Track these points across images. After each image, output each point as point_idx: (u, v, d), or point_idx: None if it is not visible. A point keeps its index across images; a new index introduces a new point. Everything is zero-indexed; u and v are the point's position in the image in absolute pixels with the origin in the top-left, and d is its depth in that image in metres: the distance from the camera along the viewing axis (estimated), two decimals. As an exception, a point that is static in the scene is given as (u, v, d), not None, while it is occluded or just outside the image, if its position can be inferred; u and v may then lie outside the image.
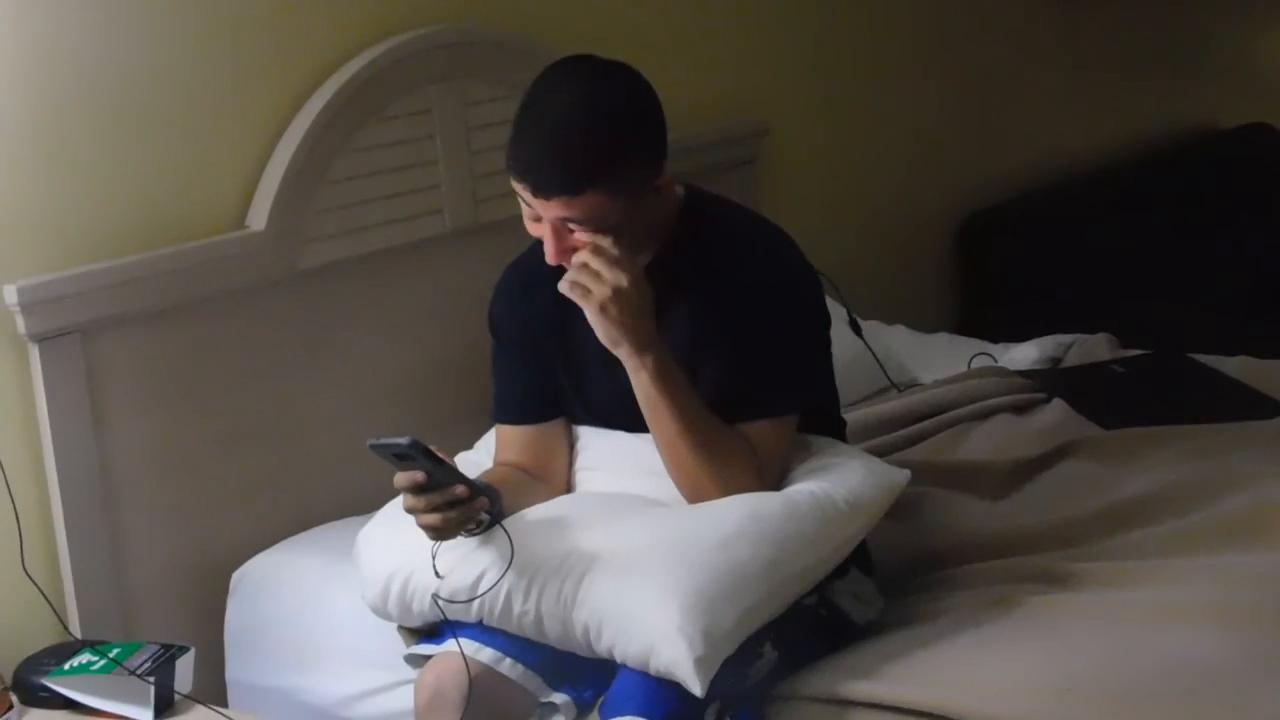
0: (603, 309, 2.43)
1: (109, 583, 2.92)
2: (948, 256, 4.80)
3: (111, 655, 2.61)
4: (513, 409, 2.70)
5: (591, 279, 2.43)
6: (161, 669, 2.60)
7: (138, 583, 2.96)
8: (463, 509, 2.39)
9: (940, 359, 3.80)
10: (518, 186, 2.43)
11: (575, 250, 2.44)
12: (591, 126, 2.40)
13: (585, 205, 2.39)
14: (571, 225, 2.42)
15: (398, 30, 3.26)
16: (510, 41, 3.41)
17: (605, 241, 2.41)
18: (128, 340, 2.91)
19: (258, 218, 3.07)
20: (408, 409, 3.21)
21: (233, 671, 3.02)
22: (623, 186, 2.41)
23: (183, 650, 2.65)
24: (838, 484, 2.52)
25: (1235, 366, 3.58)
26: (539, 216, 2.44)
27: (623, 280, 2.42)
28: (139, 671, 2.58)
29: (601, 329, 2.46)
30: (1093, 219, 4.81)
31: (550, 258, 2.46)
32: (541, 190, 2.39)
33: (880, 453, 3.05)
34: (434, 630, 2.57)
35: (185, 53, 3.00)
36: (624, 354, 2.48)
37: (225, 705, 2.94)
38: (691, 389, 2.49)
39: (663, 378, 2.47)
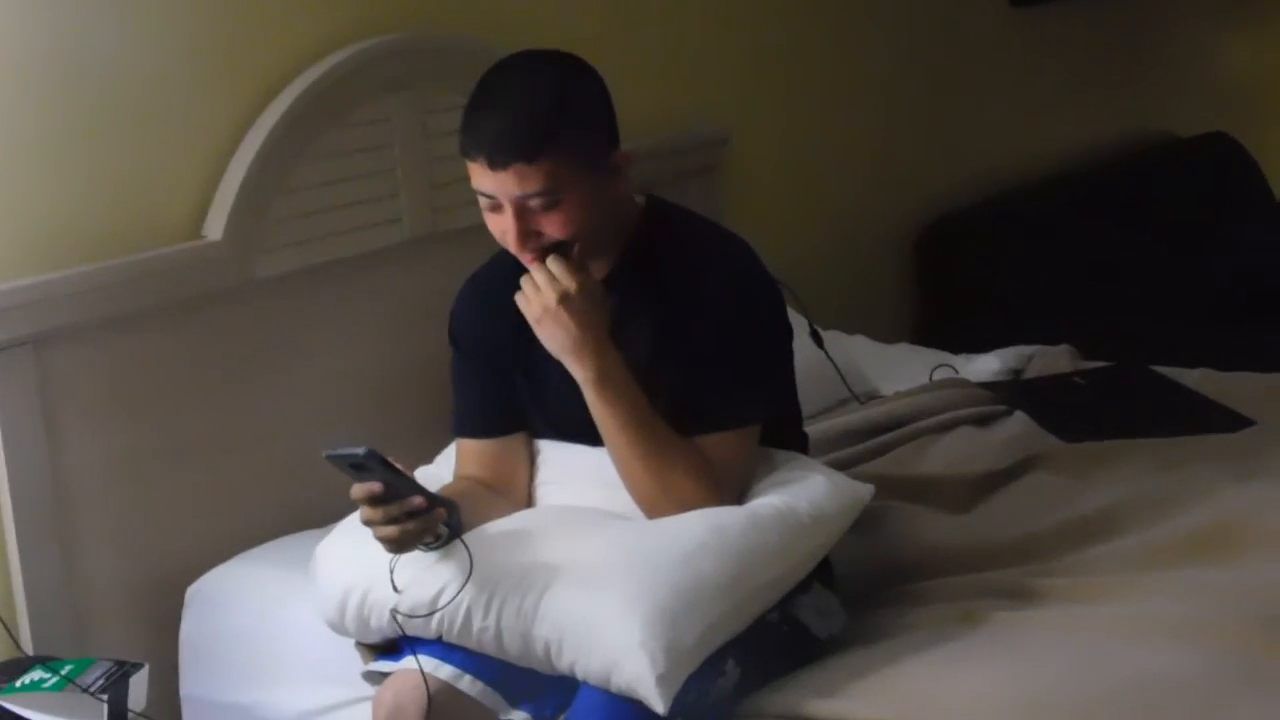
0: (543, 316, 2.44)
1: (61, 598, 2.88)
2: (908, 266, 4.78)
3: (64, 672, 2.58)
4: (473, 422, 2.67)
5: (534, 288, 2.43)
6: (115, 686, 2.57)
7: (91, 597, 2.93)
8: (420, 520, 2.37)
9: (901, 370, 3.78)
10: (474, 167, 2.43)
11: (540, 235, 2.44)
12: (542, 95, 2.44)
13: (542, 173, 2.39)
14: (532, 201, 2.41)
15: (356, 38, 3.24)
16: (469, 49, 3.38)
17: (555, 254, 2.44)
18: (81, 351, 2.88)
19: (214, 227, 3.04)
20: (367, 421, 3.18)
21: (187, 687, 2.99)
22: (578, 151, 2.43)
23: (136, 667, 2.63)
24: (801, 498, 2.51)
25: (1196, 379, 3.57)
26: (498, 205, 2.43)
27: (568, 286, 2.42)
28: (92, 689, 2.55)
29: (544, 337, 2.47)
30: (1052, 228, 4.79)
31: (513, 245, 2.46)
32: (498, 159, 2.39)
33: (842, 466, 3.03)
34: (393, 646, 2.55)
35: (141, 60, 2.98)
36: (569, 363, 2.47)
37: (179, 722, 2.91)
38: (642, 400, 2.48)
39: (609, 388, 2.46)
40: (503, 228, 2.46)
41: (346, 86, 3.19)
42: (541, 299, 2.44)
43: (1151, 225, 4.97)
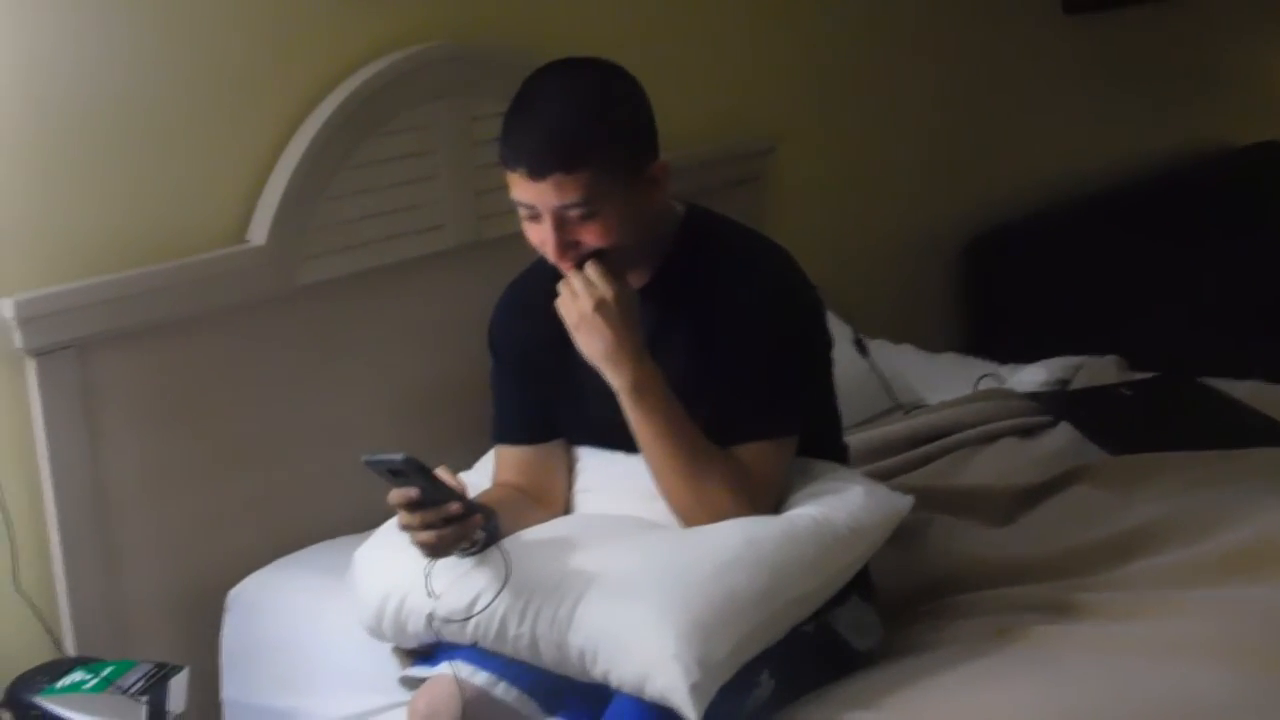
0: (580, 323, 2.44)
1: (103, 600, 2.90)
2: (956, 275, 4.77)
3: (104, 674, 2.60)
4: (511, 429, 2.68)
5: (571, 294, 2.43)
6: (154, 688, 2.59)
7: (132, 600, 2.94)
8: (457, 526, 2.37)
9: (947, 380, 3.77)
10: (513, 177, 2.43)
11: (578, 245, 2.44)
12: (582, 104, 2.44)
13: (581, 183, 2.39)
14: (570, 211, 2.41)
15: (400, 45, 3.24)
16: (513, 57, 3.37)
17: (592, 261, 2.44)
18: (125, 355, 2.89)
19: (258, 233, 3.05)
20: (407, 427, 3.18)
21: (228, 691, 3.00)
22: (617, 163, 2.42)
23: (176, 669, 2.64)
24: (838, 509, 2.49)
25: (1246, 391, 3.53)
26: (537, 215, 2.43)
27: (605, 294, 2.42)
28: (131, 691, 2.57)
29: (581, 343, 2.46)
30: (1102, 238, 4.78)
31: (552, 255, 2.46)
32: (537, 170, 2.39)
33: (884, 476, 3.02)
34: (430, 652, 2.55)
35: (186, 65, 2.99)
36: (606, 371, 2.47)
37: (219, 725, 2.93)
38: (679, 409, 2.47)
39: (646, 396, 2.46)
40: (541, 237, 2.46)
41: (390, 94, 3.20)
42: (579, 306, 2.44)
43: (1203, 236, 4.94)
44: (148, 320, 2.90)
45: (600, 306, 2.43)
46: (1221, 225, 5.04)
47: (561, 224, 2.43)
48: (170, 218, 2.98)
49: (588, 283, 2.44)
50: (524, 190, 2.43)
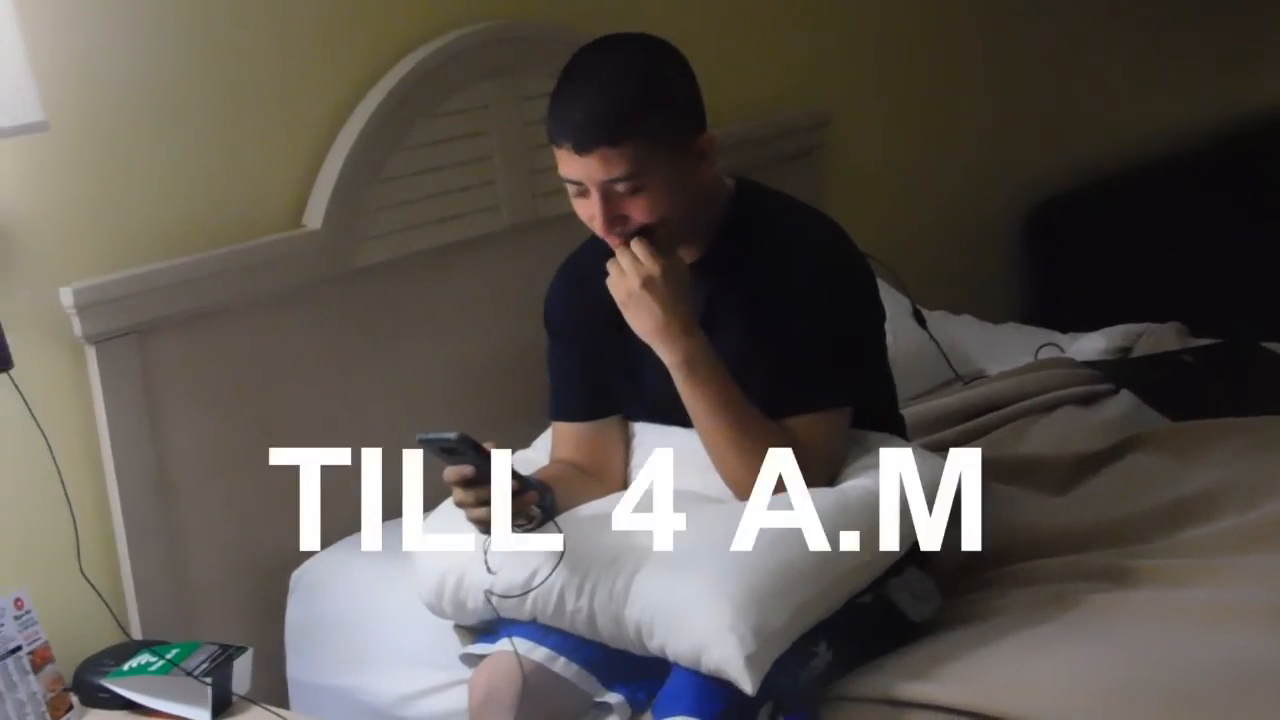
0: (629, 300, 2.45)
1: (168, 583, 2.93)
2: (1016, 245, 4.75)
3: (169, 656, 2.62)
4: (569, 406, 2.69)
5: (620, 272, 2.44)
6: (219, 670, 2.60)
7: (196, 583, 2.97)
8: (513, 503, 2.38)
9: (1007, 350, 3.75)
10: (560, 153, 2.44)
11: (626, 220, 2.44)
12: (625, 78, 2.45)
13: (626, 157, 2.40)
14: (617, 185, 2.41)
15: (451, 26, 3.25)
16: (565, 35, 3.37)
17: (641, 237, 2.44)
18: (184, 340, 2.91)
19: (314, 216, 3.07)
20: (465, 406, 3.20)
21: (293, 671, 3.02)
22: (663, 135, 2.43)
23: (240, 651, 2.66)
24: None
25: (1309, 356, 3.51)
26: (585, 190, 2.44)
27: (653, 270, 2.42)
28: (196, 672, 2.58)
29: (631, 320, 2.47)
30: (1162, 205, 4.74)
31: (600, 228, 2.47)
32: (583, 143, 2.40)
33: (941, 447, 3.02)
34: (490, 629, 2.57)
35: (238, 51, 3.01)
36: (657, 346, 2.48)
37: (286, 705, 2.94)
38: (731, 383, 2.47)
39: (698, 371, 2.46)
40: (589, 213, 2.46)
41: (442, 75, 3.21)
42: (627, 283, 2.45)
43: (1262, 201, 4.88)
44: (206, 305, 2.93)
45: (648, 283, 2.43)
46: (1278, 190, 4.98)
47: (609, 198, 2.44)
48: (226, 203, 3.01)
49: (635, 260, 2.45)
50: (571, 165, 2.44)
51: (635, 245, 2.45)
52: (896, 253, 3.46)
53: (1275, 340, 3.61)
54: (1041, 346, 3.70)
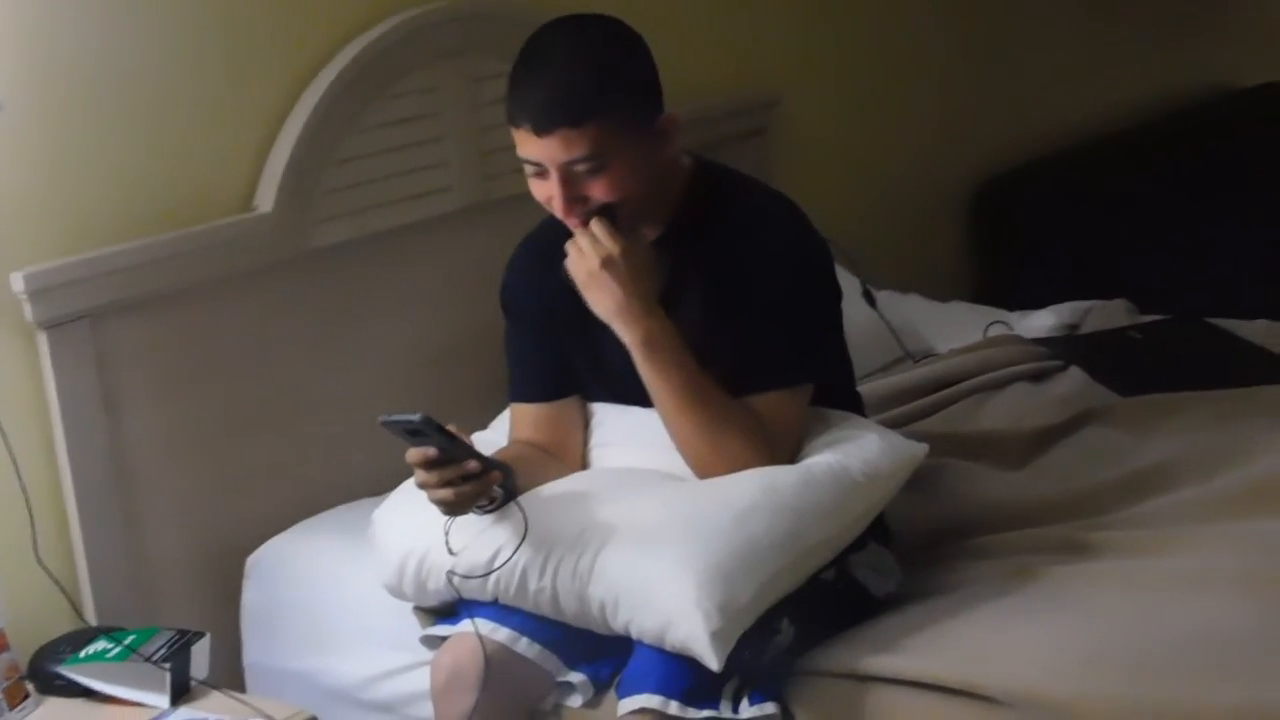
0: (589, 280, 2.44)
1: (124, 569, 2.91)
2: (963, 224, 4.77)
3: (127, 642, 2.60)
4: (527, 386, 2.69)
5: (579, 252, 2.44)
6: (177, 655, 2.59)
7: (153, 569, 2.95)
8: (475, 483, 2.38)
9: (956, 328, 3.77)
10: (519, 134, 2.44)
11: (586, 200, 2.44)
12: (586, 59, 2.44)
13: (588, 138, 2.39)
14: (577, 166, 2.41)
15: (402, 7, 3.23)
16: (515, 14, 3.37)
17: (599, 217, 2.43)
18: (137, 325, 2.89)
19: (265, 199, 3.05)
20: (422, 388, 3.18)
21: (250, 655, 3.01)
22: (623, 116, 2.43)
23: (198, 636, 2.65)
24: (854, 456, 2.51)
25: (1255, 330, 3.54)
26: (544, 171, 2.43)
27: (613, 250, 2.42)
28: (154, 658, 2.57)
29: (591, 301, 2.47)
30: (1108, 182, 4.77)
31: (560, 210, 2.46)
32: (543, 125, 2.39)
33: (896, 424, 3.04)
34: (450, 611, 2.57)
35: (188, 35, 2.98)
36: (617, 326, 2.48)
37: (243, 689, 2.93)
38: (692, 362, 2.47)
39: (658, 350, 2.46)
40: (548, 193, 2.46)
41: (393, 57, 3.19)
42: (586, 263, 2.44)
43: (1209, 176, 4.92)
44: (158, 289, 2.90)
45: (608, 263, 2.43)
46: (1225, 167, 5.02)
47: (568, 180, 2.43)
48: (178, 187, 2.98)
49: (594, 240, 2.44)
50: (530, 147, 2.43)
51: (595, 225, 2.45)
52: (845, 232, 3.46)
53: (1220, 316, 3.64)
54: (990, 324, 3.72)
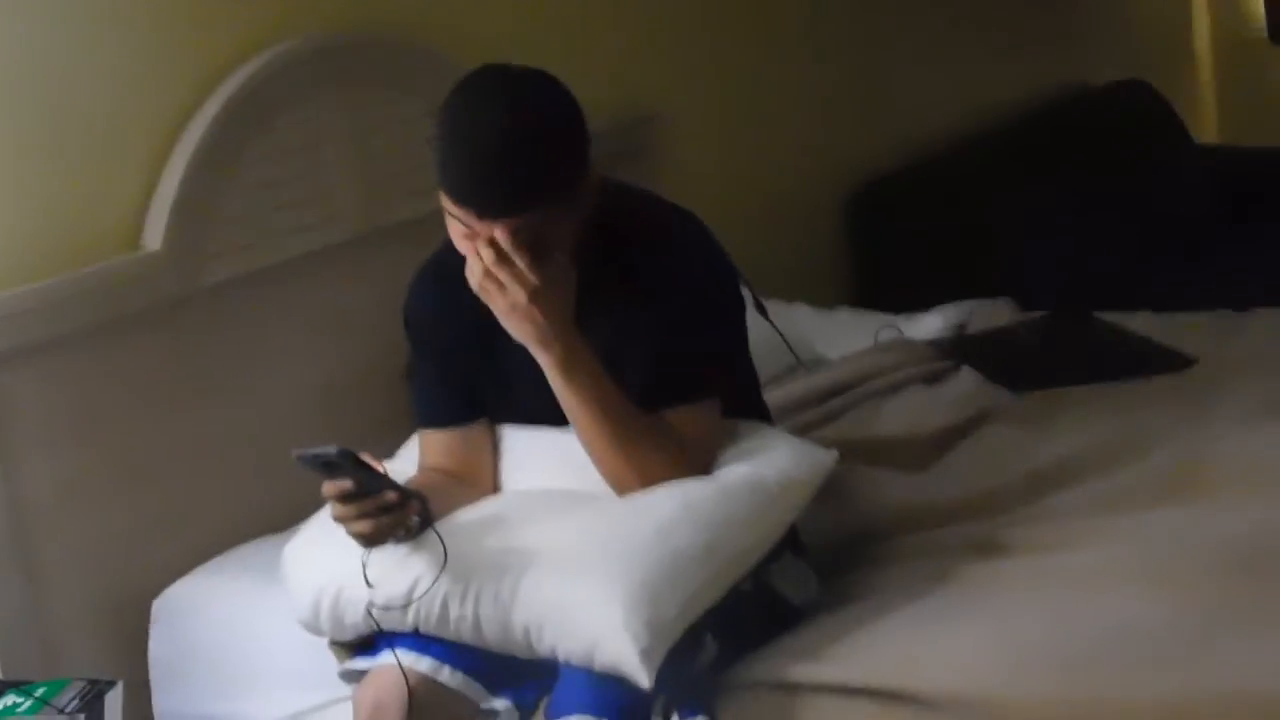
0: (512, 312, 2.40)
1: (28, 621, 2.86)
2: (842, 231, 4.80)
3: (37, 695, 2.55)
4: (434, 412, 2.66)
5: (498, 284, 2.38)
6: (90, 705, 2.54)
7: (57, 619, 2.90)
8: (395, 514, 2.36)
9: (845, 334, 3.79)
10: (457, 211, 2.38)
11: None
12: (528, 144, 2.36)
13: (530, 221, 2.36)
14: (517, 237, 2.37)
15: (280, 39, 3.20)
16: (392, 42, 3.38)
17: (508, 244, 2.37)
18: (29, 372, 2.84)
19: (153, 237, 3.01)
20: (324, 421, 3.16)
21: (161, 702, 2.97)
22: (566, 191, 2.40)
23: (110, 685, 2.60)
24: (767, 466, 2.52)
25: (1138, 322, 3.61)
26: (471, 234, 2.39)
27: (538, 283, 2.38)
28: (67, 710, 2.52)
29: (513, 329, 2.44)
30: (979, 184, 4.82)
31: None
32: (487, 214, 2.35)
33: (797, 433, 3.02)
34: (368, 644, 2.54)
35: (67, 74, 2.94)
36: (535, 350, 2.45)
37: (156, 737, 2.89)
38: (605, 380, 2.47)
39: (574, 371, 2.45)
40: (473, 250, 2.40)
41: (270, 89, 3.16)
42: (510, 296, 2.38)
43: (1076, 175, 5.00)
44: (49, 335, 2.85)
45: (535, 297, 2.38)
46: (1093, 163, 5.11)
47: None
48: (62, 229, 2.93)
49: (516, 274, 2.37)
50: (467, 219, 2.38)
51: (518, 257, 2.37)
52: (727, 244, 3.48)
53: (1101, 309, 3.70)
54: (881, 328, 3.75)
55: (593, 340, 2.47)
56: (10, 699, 2.58)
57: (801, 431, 3.14)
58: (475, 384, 2.62)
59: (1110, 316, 3.63)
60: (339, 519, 2.37)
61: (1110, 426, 3.00)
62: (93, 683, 2.59)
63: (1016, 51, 5.36)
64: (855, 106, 4.78)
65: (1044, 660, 2.28)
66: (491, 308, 2.42)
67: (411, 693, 2.41)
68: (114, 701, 2.60)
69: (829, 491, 2.76)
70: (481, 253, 2.38)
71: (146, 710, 2.96)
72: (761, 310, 3.50)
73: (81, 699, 2.55)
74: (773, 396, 3.31)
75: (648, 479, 2.46)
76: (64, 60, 2.94)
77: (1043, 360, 3.49)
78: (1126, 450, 2.88)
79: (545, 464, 2.60)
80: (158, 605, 2.97)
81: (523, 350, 2.46)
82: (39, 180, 2.91)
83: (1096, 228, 4.82)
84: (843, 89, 4.74)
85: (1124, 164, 5.19)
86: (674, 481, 2.47)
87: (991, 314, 3.80)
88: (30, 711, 2.54)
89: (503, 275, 2.38)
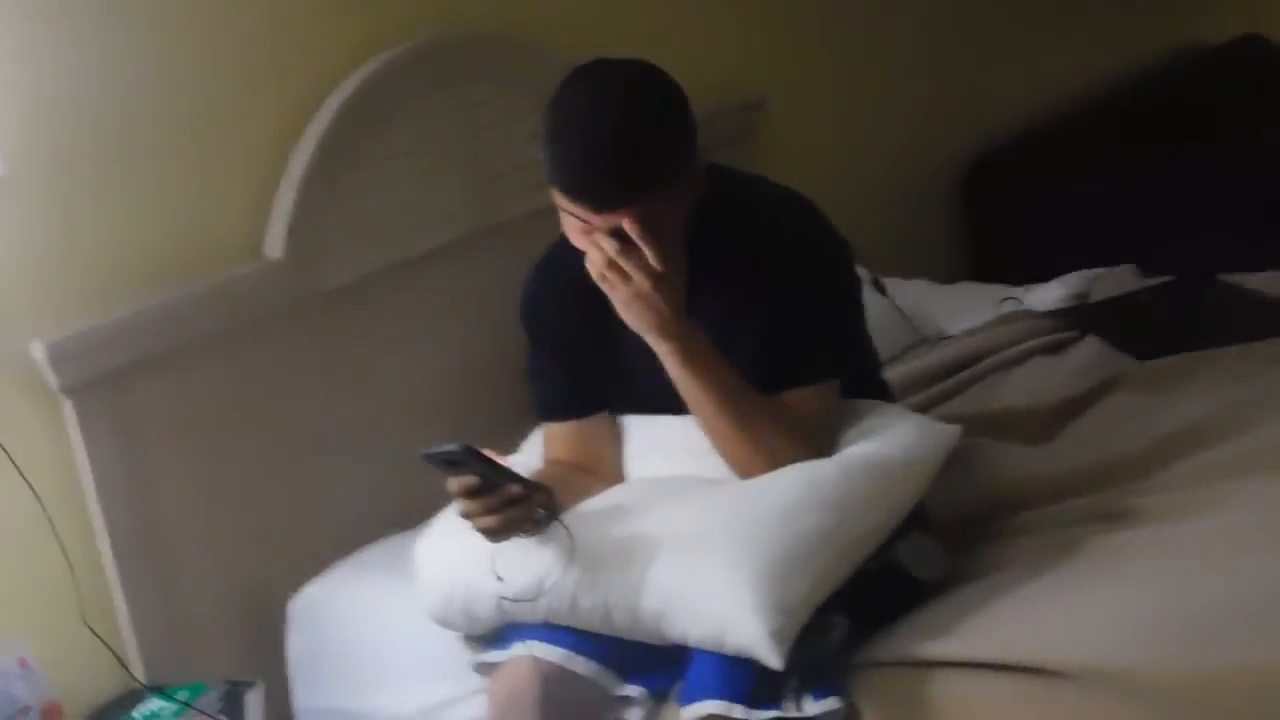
0: (634, 300, 2.41)
1: (167, 625, 2.92)
2: (958, 205, 4.77)
3: (181, 699, 2.61)
4: (556, 406, 2.68)
5: (621, 273, 2.40)
6: (233, 707, 2.59)
7: (196, 622, 2.96)
8: (520, 507, 2.39)
9: (967, 308, 3.77)
10: (571, 205, 2.40)
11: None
12: (639, 133, 2.38)
13: (646, 208, 2.37)
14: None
15: (391, 42, 3.23)
16: (502, 40, 3.39)
17: (636, 233, 2.38)
18: (159, 381, 2.90)
19: (274, 246, 3.06)
20: (445, 418, 3.16)
21: (300, 700, 3.00)
22: (676, 185, 2.41)
23: (250, 685, 2.65)
24: (891, 444, 2.51)
25: (1262, 282, 3.55)
26: (588, 228, 2.41)
27: (657, 267, 2.39)
28: (211, 712, 2.57)
29: (630, 318, 2.45)
30: (1096, 151, 4.77)
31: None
32: (604, 205, 2.37)
33: (922, 409, 3.02)
34: (500, 636, 2.56)
35: (182, 87, 2.98)
36: (653, 339, 2.46)
37: (297, 735, 2.94)
38: (725, 365, 2.47)
39: (693, 358, 2.46)
40: (590, 244, 2.42)
41: (386, 91, 3.19)
42: (633, 285, 2.39)
43: (1195, 135, 4.93)
44: (176, 344, 2.91)
45: (657, 285, 2.39)
46: (1211, 123, 5.03)
47: (618, 231, 2.40)
48: (186, 241, 2.98)
49: (639, 261, 2.39)
50: (581, 213, 2.40)
51: (642, 243, 2.38)
52: (843, 225, 3.47)
53: (1225, 271, 3.65)
54: (1002, 300, 3.72)
55: (707, 322, 2.47)
56: (154, 704, 2.64)
57: (925, 407, 3.13)
58: (593, 376, 2.64)
59: (1234, 278, 3.57)
60: (465, 515, 2.40)
61: (1236, 391, 2.95)
62: (234, 684, 2.66)
63: (1129, 12, 5.28)
64: (965, 80, 4.74)
65: (1174, 631, 2.26)
66: (612, 298, 2.43)
67: (545, 682, 2.43)
68: (255, 702, 2.66)
69: (954, 467, 2.75)
70: (603, 243, 2.40)
71: (284, 709, 3.00)
72: (879, 288, 3.51)
73: (223, 701, 2.62)
74: (895, 373, 3.31)
75: (771, 462, 2.46)
76: (181, 74, 2.98)
77: (1169, 326, 3.44)
78: (1252, 414, 2.82)
79: (667, 452, 2.61)
80: (294, 606, 3.01)
81: (637, 340, 2.48)
82: (162, 193, 2.96)
83: (1216, 188, 4.73)
84: (952, 63, 4.70)
85: (1243, 122, 5.10)
86: (798, 464, 2.46)
87: (1115, 281, 3.75)
88: (175, 716, 2.60)
89: (627, 264, 2.39)
